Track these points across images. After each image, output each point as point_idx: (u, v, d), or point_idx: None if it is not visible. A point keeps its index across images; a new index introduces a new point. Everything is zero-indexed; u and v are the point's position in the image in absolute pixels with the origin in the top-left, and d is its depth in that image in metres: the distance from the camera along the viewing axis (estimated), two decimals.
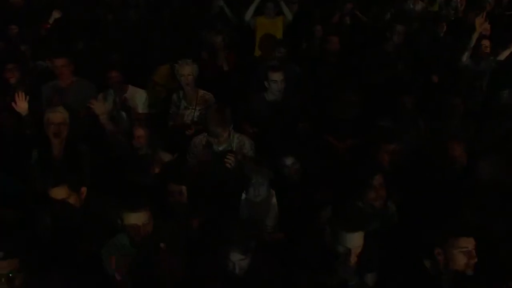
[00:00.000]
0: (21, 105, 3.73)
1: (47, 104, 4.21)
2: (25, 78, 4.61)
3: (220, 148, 3.46)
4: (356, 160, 4.01)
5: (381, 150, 3.47)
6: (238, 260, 2.46)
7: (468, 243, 2.32)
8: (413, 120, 4.32)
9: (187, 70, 4.13)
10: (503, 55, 4.98)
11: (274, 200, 3.19)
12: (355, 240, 2.44)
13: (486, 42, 4.99)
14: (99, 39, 5.99)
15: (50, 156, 3.44)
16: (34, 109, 3.89)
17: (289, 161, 3.46)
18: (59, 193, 2.64)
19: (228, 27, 5.98)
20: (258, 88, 4.88)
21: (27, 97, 3.73)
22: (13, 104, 3.74)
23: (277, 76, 4.09)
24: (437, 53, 5.57)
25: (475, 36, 4.75)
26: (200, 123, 4.17)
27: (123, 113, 4.32)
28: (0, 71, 4.62)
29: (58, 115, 3.43)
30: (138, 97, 4.38)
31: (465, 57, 4.84)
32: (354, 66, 5.18)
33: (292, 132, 4.16)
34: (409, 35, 6.21)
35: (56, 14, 5.82)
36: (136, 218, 2.48)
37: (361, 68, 5.16)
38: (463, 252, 2.31)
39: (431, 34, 5.93)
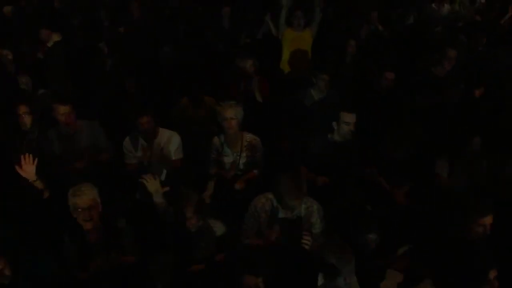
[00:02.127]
0: (28, 169, 3.09)
1: (54, 157, 3.68)
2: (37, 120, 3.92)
3: (286, 216, 2.96)
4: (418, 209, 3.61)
5: (474, 224, 2.98)
6: None
7: None
8: (478, 161, 3.91)
9: (229, 113, 3.60)
10: None
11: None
12: None
13: None
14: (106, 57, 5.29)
15: (85, 240, 2.88)
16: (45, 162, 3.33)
17: (373, 237, 3.00)
18: None
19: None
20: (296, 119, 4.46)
21: (35, 159, 3.10)
22: (17, 168, 3.09)
23: (350, 118, 3.65)
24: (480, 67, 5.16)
25: None
26: (246, 173, 3.70)
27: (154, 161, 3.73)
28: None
29: (84, 199, 2.82)
30: (172, 142, 3.81)
31: None
32: (400, 92, 4.67)
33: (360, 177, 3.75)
34: (437, 40, 5.91)
35: (55, 37, 5.05)
36: None
37: (408, 94, 4.67)
38: None
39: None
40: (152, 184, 2.99)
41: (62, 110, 3.60)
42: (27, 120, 3.82)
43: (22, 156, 3.09)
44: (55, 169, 3.60)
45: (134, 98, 4.83)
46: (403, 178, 3.88)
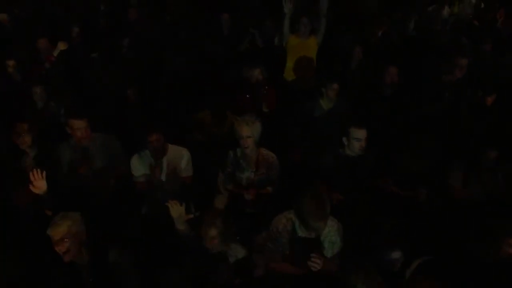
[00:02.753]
0: (39, 184, 3.06)
1: (69, 171, 3.53)
2: (38, 137, 3.77)
3: (306, 234, 2.86)
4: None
5: (504, 244, 2.90)
6: None
7: None
8: (493, 171, 3.86)
9: (246, 131, 3.46)
10: None
11: None
12: None
13: None
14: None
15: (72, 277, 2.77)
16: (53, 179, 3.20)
17: (396, 255, 2.91)
18: None
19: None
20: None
21: (43, 172, 3.06)
22: (30, 186, 3.05)
23: (361, 134, 3.50)
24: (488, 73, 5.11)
25: None
26: (261, 187, 3.61)
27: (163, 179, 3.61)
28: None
29: (57, 230, 2.68)
30: (181, 159, 3.68)
31: None
32: (410, 100, 4.60)
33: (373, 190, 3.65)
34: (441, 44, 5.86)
35: (62, 46, 4.88)
36: None
37: (415, 101, 4.61)
38: None
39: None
40: (177, 210, 2.86)
41: (78, 125, 3.49)
42: (26, 139, 3.68)
43: (30, 173, 3.03)
44: (67, 184, 3.50)
45: (136, 108, 4.73)
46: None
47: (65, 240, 2.66)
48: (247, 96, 4.57)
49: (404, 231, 3.41)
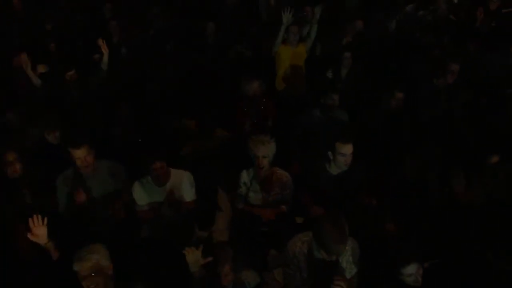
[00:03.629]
0: (39, 232, 2.78)
1: (69, 206, 3.35)
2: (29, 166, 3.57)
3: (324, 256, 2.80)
4: None
5: None
6: None
7: None
8: (494, 173, 3.91)
9: (262, 151, 3.38)
10: None
11: None
12: None
13: None
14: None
15: None
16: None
17: (412, 269, 2.89)
18: None
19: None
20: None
21: (45, 219, 2.79)
22: (28, 234, 2.79)
23: (346, 149, 3.42)
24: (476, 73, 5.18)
25: None
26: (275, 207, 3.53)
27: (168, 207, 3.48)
28: None
29: (85, 266, 2.54)
30: (185, 184, 3.54)
31: None
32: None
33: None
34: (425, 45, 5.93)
35: (41, 68, 4.65)
36: None
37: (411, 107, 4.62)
38: None
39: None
40: (193, 256, 2.73)
41: (78, 154, 3.29)
42: (17, 167, 3.48)
43: (30, 219, 2.78)
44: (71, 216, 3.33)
45: (127, 126, 4.55)
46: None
47: (93, 275, 2.52)
48: (246, 109, 4.48)
49: (415, 240, 3.41)
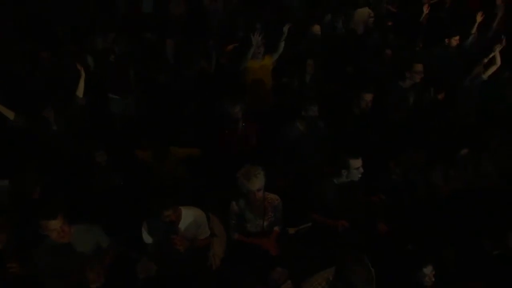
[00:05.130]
0: None
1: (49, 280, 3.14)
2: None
3: None
4: None
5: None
6: None
7: None
8: (466, 164, 4.31)
9: (257, 185, 3.31)
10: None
11: None
12: None
13: None
14: None
15: None
16: None
17: (427, 270, 3.15)
18: None
19: None
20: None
21: None
22: None
23: (359, 163, 3.61)
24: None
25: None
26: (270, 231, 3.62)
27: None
28: None
29: None
30: (196, 222, 3.43)
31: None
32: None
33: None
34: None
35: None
36: None
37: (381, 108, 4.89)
38: None
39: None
40: None
41: (52, 225, 2.99)
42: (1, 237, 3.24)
43: None
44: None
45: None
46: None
47: None
48: (227, 132, 4.49)
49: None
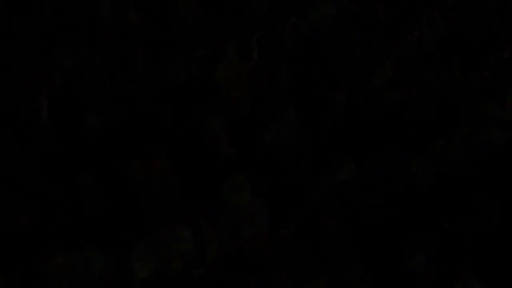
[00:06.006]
0: None
1: None
2: None
3: None
4: None
5: None
6: None
7: None
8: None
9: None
10: None
11: None
12: None
13: None
14: None
15: None
16: None
17: (420, 259, 3.33)
18: None
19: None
20: None
21: None
22: None
23: (344, 161, 3.76)
24: None
25: None
26: None
27: None
28: None
29: None
30: None
31: None
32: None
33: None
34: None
35: None
36: None
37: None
38: None
39: None
40: None
41: None
42: None
43: None
44: None
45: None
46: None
47: None
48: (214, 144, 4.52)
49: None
